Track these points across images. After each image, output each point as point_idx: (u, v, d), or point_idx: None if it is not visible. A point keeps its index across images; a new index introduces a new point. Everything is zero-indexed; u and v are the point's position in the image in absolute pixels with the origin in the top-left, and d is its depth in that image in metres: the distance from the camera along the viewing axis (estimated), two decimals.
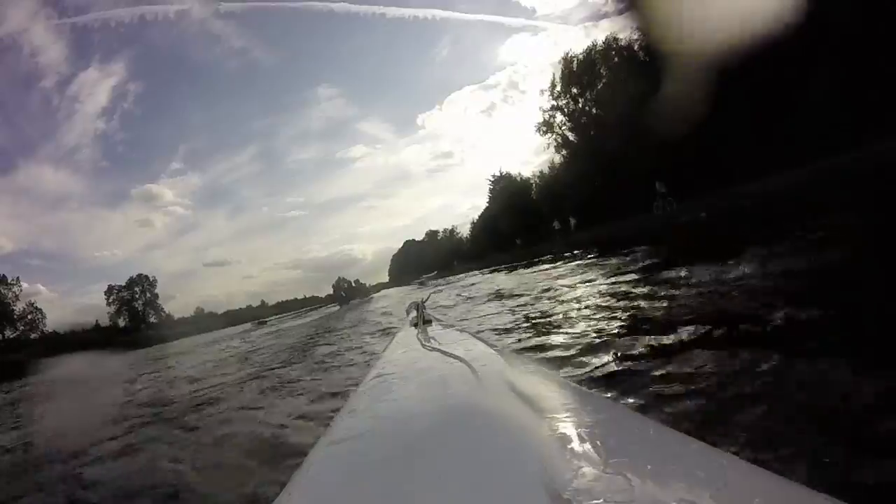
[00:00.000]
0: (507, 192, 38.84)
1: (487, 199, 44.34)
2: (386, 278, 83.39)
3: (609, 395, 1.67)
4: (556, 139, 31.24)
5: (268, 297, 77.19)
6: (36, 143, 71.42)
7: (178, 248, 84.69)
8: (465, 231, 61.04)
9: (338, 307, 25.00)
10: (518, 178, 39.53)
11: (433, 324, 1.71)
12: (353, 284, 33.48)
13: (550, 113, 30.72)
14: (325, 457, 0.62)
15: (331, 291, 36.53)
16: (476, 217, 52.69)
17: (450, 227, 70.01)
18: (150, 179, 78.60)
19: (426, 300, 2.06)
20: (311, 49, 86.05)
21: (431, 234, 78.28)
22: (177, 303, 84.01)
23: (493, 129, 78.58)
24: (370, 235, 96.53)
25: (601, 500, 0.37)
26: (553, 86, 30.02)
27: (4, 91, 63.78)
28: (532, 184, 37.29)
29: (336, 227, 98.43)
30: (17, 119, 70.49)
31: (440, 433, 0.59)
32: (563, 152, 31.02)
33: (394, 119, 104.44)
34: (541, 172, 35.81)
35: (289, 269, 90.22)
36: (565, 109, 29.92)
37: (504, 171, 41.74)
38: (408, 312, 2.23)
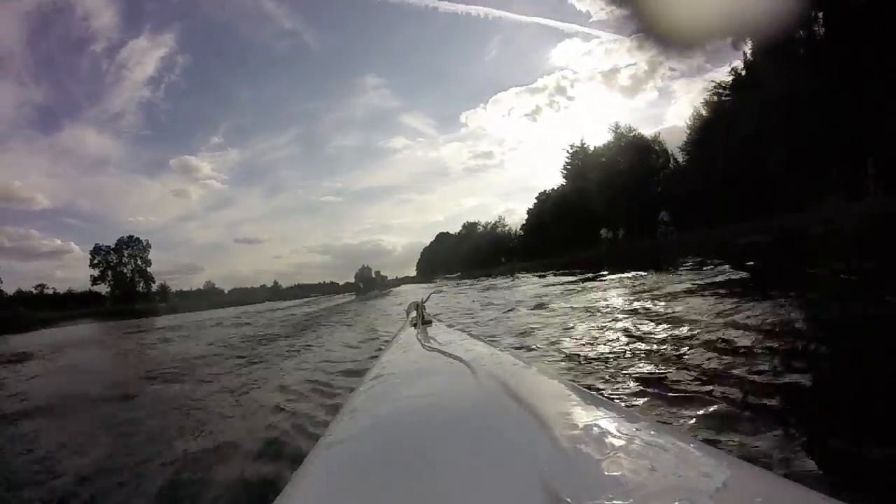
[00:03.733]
0: (615, 153, 26.95)
1: (563, 176, 33.45)
2: (413, 272, 75.51)
3: (608, 395, 1.57)
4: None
5: (293, 279, 73.25)
6: (81, 106, 71.91)
7: (211, 222, 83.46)
8: (512, 223, 50.69)
9: (354, 296, 22.11)
10: (632, 133, 27.69)
11: (433, 324, 1.73)
12: (374, 276, 27.57)
13: None
14: (325, 457, 0.61)
15: (352, 280, 31.70)
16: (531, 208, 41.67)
17: (493, 221, 59.45)
18: (189, 151, 77.56)
19: (426, 300, 2.05)
20: (361, 37, 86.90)
21: (470, 227, 68.38)
22: (205, 275, 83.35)
23: (536, 133, 69.69)
24: (402, 228, 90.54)
25: (601, 501, 0.37)
26: None
27: (55, 51, 63.61)
28: (659, 143, 25.80)
29: (369, 216, 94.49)
30: (65, 80, 71.46)
31: (440, 434, 0.59)
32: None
33: (436, 114, 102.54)
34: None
35: (318, 253, 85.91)
36: None
37: (586, 142, 30.56)
38: (408, 313, 2.17)
